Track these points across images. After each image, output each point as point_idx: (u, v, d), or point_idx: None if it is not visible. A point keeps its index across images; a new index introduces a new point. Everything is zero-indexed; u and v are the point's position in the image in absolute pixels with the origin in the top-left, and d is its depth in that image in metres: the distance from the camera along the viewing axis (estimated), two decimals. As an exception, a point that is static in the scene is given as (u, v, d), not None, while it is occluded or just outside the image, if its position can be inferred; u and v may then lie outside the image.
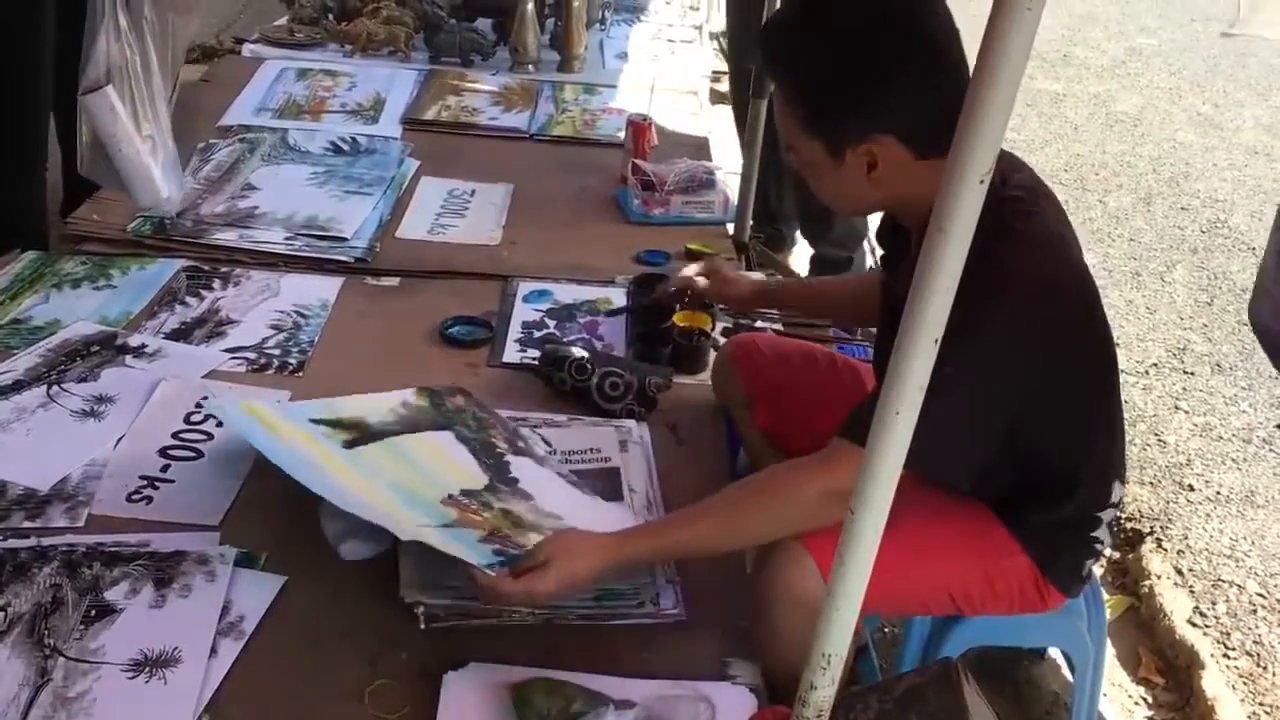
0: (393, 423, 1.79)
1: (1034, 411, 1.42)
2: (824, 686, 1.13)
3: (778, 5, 1.75)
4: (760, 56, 1.51)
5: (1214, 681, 2.29)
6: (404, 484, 1.63)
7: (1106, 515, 1.59)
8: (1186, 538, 2.75)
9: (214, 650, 1.41)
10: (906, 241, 1.55)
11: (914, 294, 0.93)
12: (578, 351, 2.02)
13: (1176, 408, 3.33)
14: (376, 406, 1.83)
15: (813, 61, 1.41)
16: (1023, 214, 1.40)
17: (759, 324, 2.34)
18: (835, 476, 1.35)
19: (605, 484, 1.78)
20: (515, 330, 2.23)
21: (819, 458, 1.41)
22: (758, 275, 2.15)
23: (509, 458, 1.78)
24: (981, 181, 0.87)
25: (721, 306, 2.25)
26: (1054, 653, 2.26)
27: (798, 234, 3.55)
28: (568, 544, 1.43)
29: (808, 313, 2.29)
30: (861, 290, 1.96)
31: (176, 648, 1.41)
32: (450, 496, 1.62)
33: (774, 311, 2.38)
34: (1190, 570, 2.64)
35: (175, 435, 1.82)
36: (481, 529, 1.54)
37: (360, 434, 1.75)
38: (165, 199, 2.27)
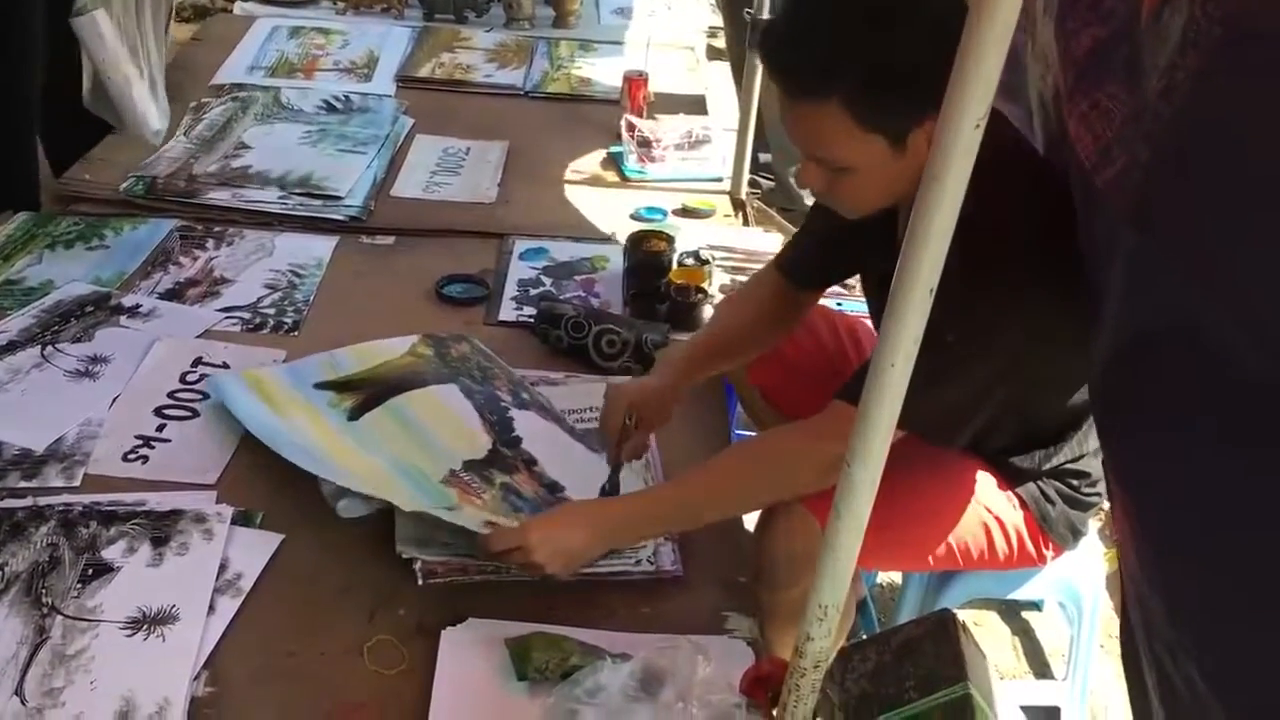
0: (398, 377, 1.80)
1: (1034, 366, 1.40)
2: (820, 638, 1.13)
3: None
4: (796, 74, 1.31)
5: (1210, 634, 2.29)
6: (407, 460, 1.63)
7: (1100, 467, 1.59)
8: (1184, 492, 2.75)
9: (212, 608, 1.42)
10: (886, 220, 1.47)
11: (907, 244, 0.92)
12: (573, 309, 2.02)
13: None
14: (381, 356, 1.84)
15: (876, 50, 1.25)
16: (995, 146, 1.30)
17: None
18: (837, 440, 1.33)
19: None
20: (512, 288, 2.22)
21: (818, 421, 1.39)
22: (655, 382, 1.72)
23: (513, 412, 1.78)
24: (977, 127, 0.86)
25: (719, 264, 2.24)
26: (1051, 605, 2.26)
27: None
28: (555, 537, 1.41)
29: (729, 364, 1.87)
30: (764, 314, 1.78)
31: (174, 605, 1.41)
32: (452, 473, 1.62)
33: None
34: (1188, 524, 2.64)
35: (171, 395, 1.81)
36: (483, 513, 1.55)
37: (365, 395, 1.75)
38: (154, 131, 2.25)
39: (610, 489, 1.63)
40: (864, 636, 1.89)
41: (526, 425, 1.77)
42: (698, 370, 1.76)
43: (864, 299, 2.19)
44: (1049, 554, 1.62)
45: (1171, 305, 1.00)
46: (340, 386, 1.78)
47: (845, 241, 1.59)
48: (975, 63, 0.83)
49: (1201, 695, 1.03)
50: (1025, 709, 1.97)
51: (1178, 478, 1.01)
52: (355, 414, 1.72)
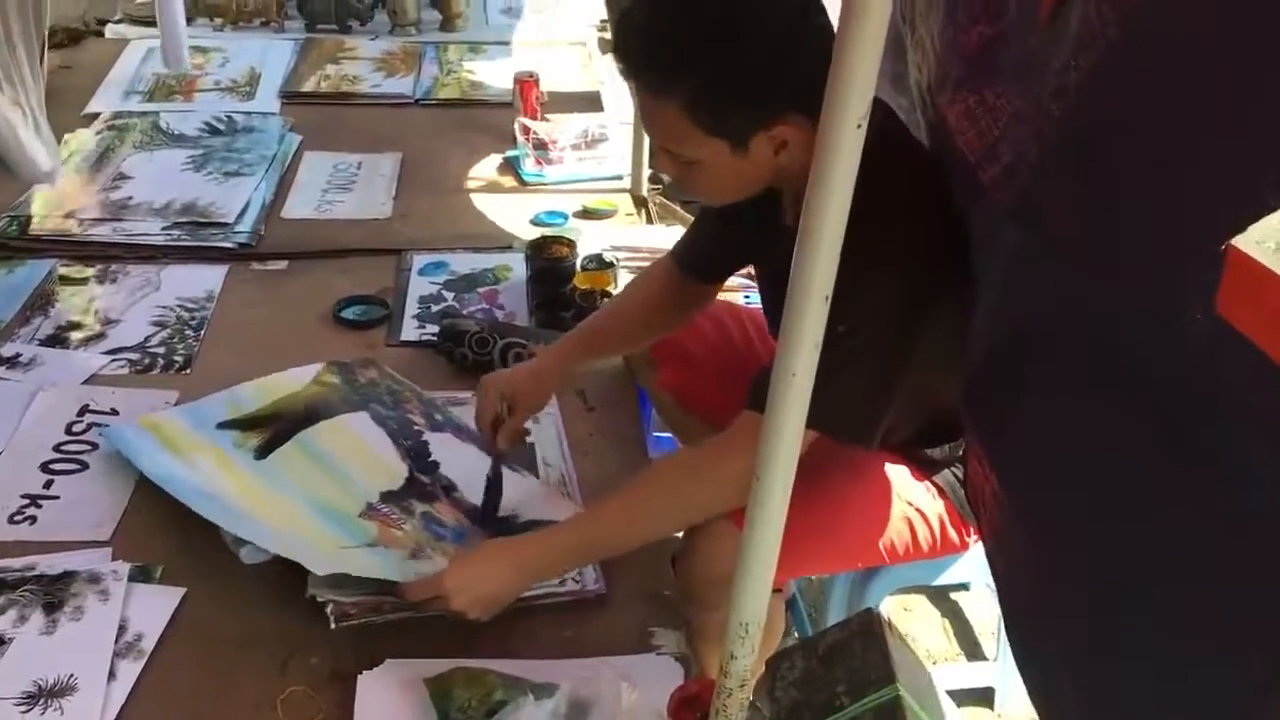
0: (305, 409, 1.73)
1: (931, 351, 1.38)
2: (744, 656, 1.10)
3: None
4: (642, 72, 1.30)
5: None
6: (321, 497, 1.57)
7: None
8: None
9: (113, 674, 1.35)
10: (770, 210, 1.46)
11: (799, 252, 0.89)
12: (476, 324, 1.97)
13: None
14: (285, 389, 1.77)
15: (715, 60, 1.23)
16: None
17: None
18: (750, 453, 1.30)
19: (518, 460, 1.73)
20: (413, 306, 2.16)
21: (730, 435, 1.35)
22: (529, 366, 1.71)
23: (427, 435, 1.74)
24: (859, 126, 0.83)
25: (624, 265, 2.21)
26: (979, 585, 2.27)
27: None
28: (474, 581, 1.36)
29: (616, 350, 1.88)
30: (654, 302, 1.74)
31: (72, 675, 1.34)
32: (370, 506, 1.57)
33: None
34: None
35: (57, 448, 1.73)
36: (403, 547, 1.50)
37: (272, 432, 1.69)
38: (46, 172, 2.17)
39: (493, 478, 1.66)
40: (795, 634, 1.89)
41: (442, 448, 1.72)
42: (579, 353, 1.73)
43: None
44: (970, 539, 1.61)
45: (1063, 301, 0.99)
46: (245, 424, 1.71)
47: (736, 232, 1.56)
48: (852, 64, 0.80)
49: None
50: (959, 692, 1.97)
51: (1064, 466, 1.01)
52: (263, 452, 1.65)
